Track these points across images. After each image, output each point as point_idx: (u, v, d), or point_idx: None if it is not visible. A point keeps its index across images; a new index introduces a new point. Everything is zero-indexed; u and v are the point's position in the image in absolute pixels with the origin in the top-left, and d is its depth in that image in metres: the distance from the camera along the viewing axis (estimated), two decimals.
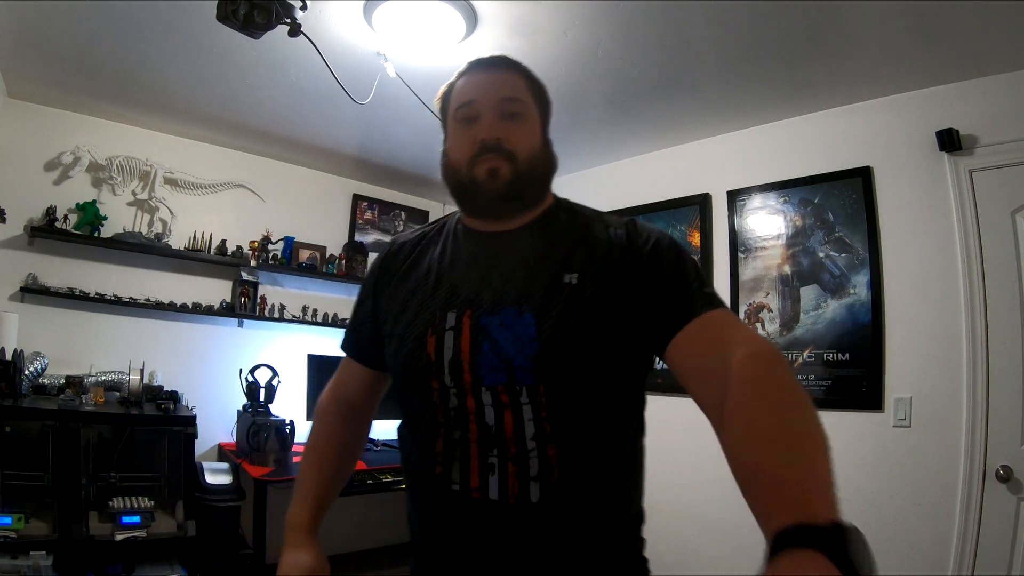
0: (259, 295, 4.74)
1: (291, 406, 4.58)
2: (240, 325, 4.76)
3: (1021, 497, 2.78)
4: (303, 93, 3.61)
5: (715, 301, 1.14)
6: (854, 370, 3.28)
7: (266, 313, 4.78)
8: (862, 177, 3.34)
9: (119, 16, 2.88)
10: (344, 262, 5.13)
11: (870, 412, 3.21)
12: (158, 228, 4.37)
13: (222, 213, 4.71)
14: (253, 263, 4.61)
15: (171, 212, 4.42)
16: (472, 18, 2.73)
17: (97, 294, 4.09)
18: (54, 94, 3.89)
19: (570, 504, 1.15)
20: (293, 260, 4.91)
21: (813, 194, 3.48)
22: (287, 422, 4.15)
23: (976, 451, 2.88)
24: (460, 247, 1.36)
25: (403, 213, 5.73)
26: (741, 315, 3.59)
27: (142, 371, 4.02)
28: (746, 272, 3.74)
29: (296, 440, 4.27)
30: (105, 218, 4.14)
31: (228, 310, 4.62)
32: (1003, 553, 2.77)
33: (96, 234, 4.06)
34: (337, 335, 4.90)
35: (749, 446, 0.86)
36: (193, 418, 3.77)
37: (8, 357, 3.51)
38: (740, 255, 3.78)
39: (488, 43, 2.96)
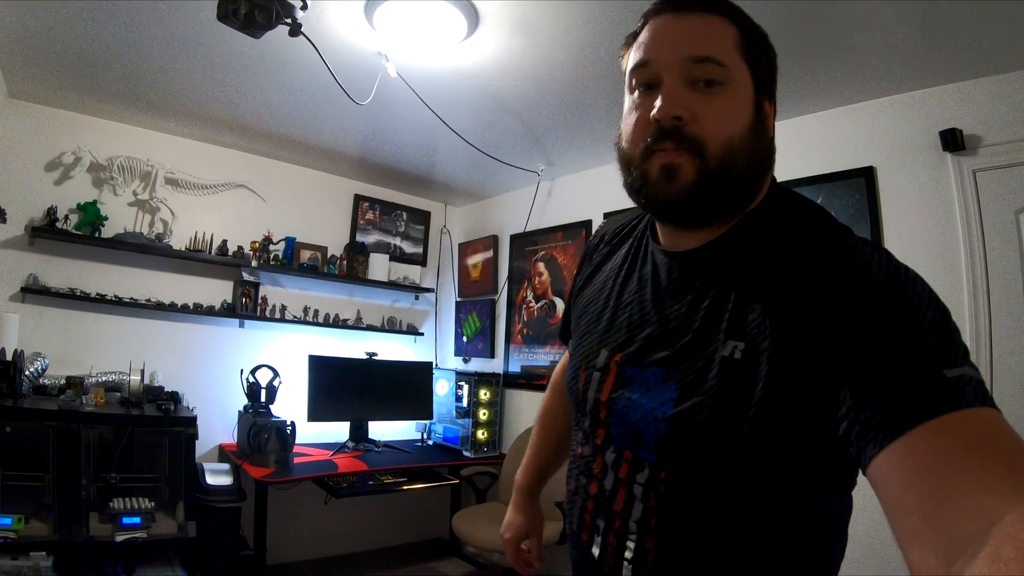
0: (260, 296, 4.75)
1: (292, 407, 4.58)
2: (241, 326, 4.75)
3: None
4: (304, 93, 3.61)
5: (968, 391, 0.70)
6: None
7: (267, 314, 4.78)
8: (865, 177, 3.28)
9: (120, 15, 2.87)
10: (345, 263, 5.12)
11: None
12: (159, 228, 4.37)
13: (223, 213, 4.71)
14: (254, 263, 4.60)
15: (172, 212, 4.42)
16: (474, 17, 2.73)
17: (98, 294, 4.09)
18: (55, 94, 3.88)
19: None
20: (294, 260, 4.90)
21: (816, 194, 3.40)
22: (288, 423, 4.16)
23: None
24: (637, 261, 1.14)
25: (404, 214, 5.72)
26: None
27: (142, 372, 4.02)
28: None
29: (297, 441, 4.29)
30: (106, 218, 4.14)
31: (229, 311, 4.62)
32: None
33: (97, 234, 4.06)
34: (338, 336, 5.08)
35: None
36: (193, 419, 3.78)
37: (8, 358, 3.53)
38: None
39: (490, 43, 2.96)
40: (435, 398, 5.27)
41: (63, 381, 3.75)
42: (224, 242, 4.59)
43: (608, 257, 1.24)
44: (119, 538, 3.33)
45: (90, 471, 3.48)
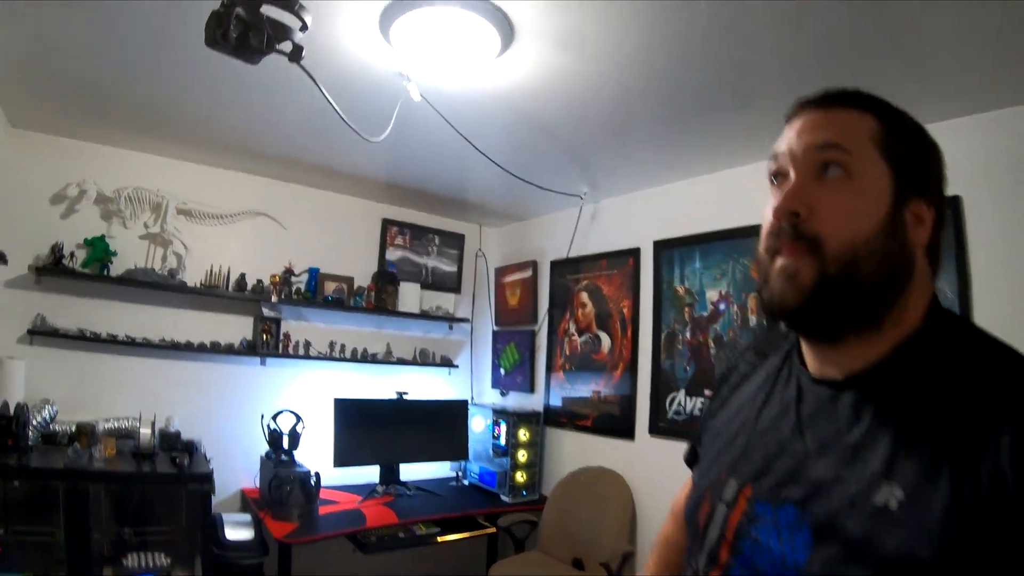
0: (282, 331, 4.55)
1: (317, 454, 4.38)
2: (263, 364, 4.56)
3: None
4: (324, 115, 3.35)
5: None
6: None
7: (290, 350, 4.60)
8: (952, 208, 2.90)
9: (126, 38, 2.64)
10: (373, 294, 4.93)
11: None
12: (172, 263, 4.20)
13: (240, 244, 4.53)
14: (274, 299, 4.41)
15: (185, 246, 4.24)
16: (508, 32, 2.44)
17: (109, 335, 3.94)
18: (59, 122, 3.74)
19: None
20: (318, 293, 4.71)
21: None
22: (312, 474, 3.91)
23: None
24: (780, 382, 1.04)
25: (436, 237, 5.53)
26: None
27: (153, 424, 3.80)
28: None
29: (323, 483, 4.04)
30: (115, 254, 3.98)
31: (249, 349, 4.43)
32: None
33: (106, 272, 3.90)
34: (366, 371, 4.82)
35: None
36: (209, 475, 3.53)
37: (12, 411, 3.36)
38: None
39: (528, 59, 2.67)
40: (471, 434, 5.05)
41: (73, 429, 3.61)
42: (242, 276, 4.38)
43: (749, 376, 1.14)
44: None
45: (101, 525, 3.34)
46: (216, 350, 4.30)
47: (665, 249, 4.15)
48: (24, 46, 2.80)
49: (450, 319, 5.35)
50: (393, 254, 5.27)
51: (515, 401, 5.33)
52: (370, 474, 4.70)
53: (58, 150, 3.94)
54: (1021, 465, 0.70)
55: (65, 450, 3.43)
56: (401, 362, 5.08)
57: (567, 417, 4.81)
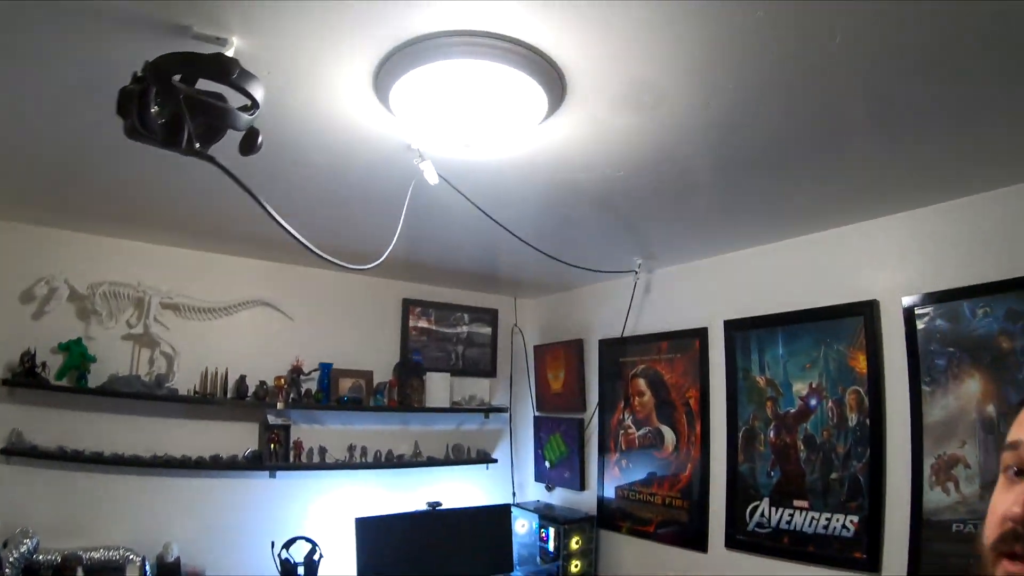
0: (292, 439, 4.19)
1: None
2: (272, 476, 4.16)
3: None
4: (330, 193, 3.02)
5: None
6: None
7: (303, 459, 4.22)
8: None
9: (94, 115, 2.26)
10: (396, 390, 4.58)
11: None
12: (161, 366, 3.87)
13: (240, 340, 4.18)
14: (280, 405, 4.05)
15: (173, 348, 3.86)
16: (558, 89, 1.96)
17: (92, 452, 3.60)
18: (22, 208, 3.46)
19: None
20: (332, 393, 4.37)
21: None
22: None
23: None
24: None
25: (466, 315, 5.18)
26: (925, 471, 2.91)
27: (143, 561, 3.42)
28: (933, 412, 2.97)
29: None
30: (94, 359, 3.65)
31: (255, 461, 4.01)
32: None
33: (83, 382, 3.59)
34: (392, 477, 4.64)
35: None
36: None
37: None
38: (924, 388, 3.01)
39: (579, 120, 2.23)
40: (515, 538, 4.68)
41: (58, 559, 3.32)
42: (242, 378, 4.03)
43: None
44: None
45: None
46: (217, 465, 3.91)
47: (738, 330, 3.82)
48: None
49: (486, 410, 5.01)
50: (417, 340, 4.95)
51: (563, 498, 4.96)
52: None
53: (26, 240, 3.63)
54: None
55: None
56: (432, 462, 4.73)
57: (625, 520, 4.42)
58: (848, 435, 3.18)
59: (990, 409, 2.83)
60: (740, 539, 3.62)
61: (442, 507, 4.46)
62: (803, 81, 1.98)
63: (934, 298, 3.04)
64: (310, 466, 4.23)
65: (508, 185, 2.86)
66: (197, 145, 1.40)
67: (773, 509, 3.46)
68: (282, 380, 4.13)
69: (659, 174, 2.73)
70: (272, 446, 4.07)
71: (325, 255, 1.98)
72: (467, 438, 5.02)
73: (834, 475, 3.16)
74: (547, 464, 5.09)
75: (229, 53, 1.63)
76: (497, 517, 4.67)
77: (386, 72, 1.88)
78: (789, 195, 3.00)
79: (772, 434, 3.54)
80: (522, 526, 4.72)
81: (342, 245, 3.80)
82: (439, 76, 1.86)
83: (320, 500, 4.33)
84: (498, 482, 5.15)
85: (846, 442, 3.19)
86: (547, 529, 4.44)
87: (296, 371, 4.20)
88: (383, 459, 4.50)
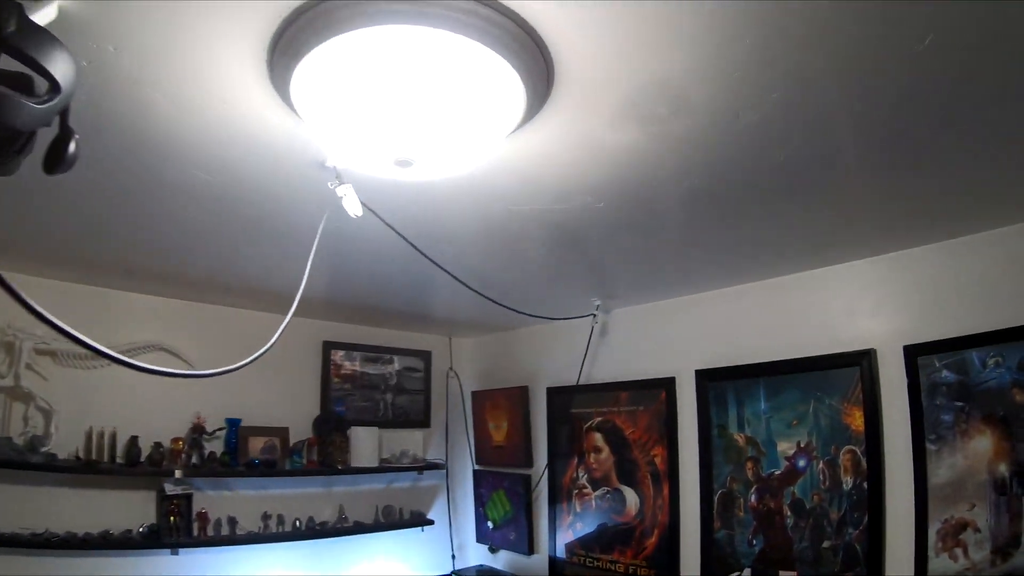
0: (196, 509, 3.80)
1: None
2: (174, 554, 3.78)
3: None
4: (223, 222, 2.61)
5: None
6: None
7: (208, 532, 3.83)
8: None
9: None
10: (316, 448, 4.25)
11: None
12: (36, 426, 3.42)
13: (132, 393, 3.72)
14: (178, 473, 3.64)
15: (49, 405, 3.43)
16: (542, 83, 1.51)
17: None
18: None
19: None
20: (241, 455, 3.99)
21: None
22: None
23: None
24: None
25: (395, 358, 4.87)
26: (931, 536, 2.80)
27: None
28: (939, 472, 2.88)
29: None
30: None
31: (153, 537, 3.63)
32: None
33: None
34: (314, 548, 4.20)
35: None
36: None
37: None
38: (929, 446, 2.91)
39: (565, 135, 1.82)
40: None
41: None
42: (134, 439, 3.60)
43: None
44: None
45: None
46: (108, 543, 3.51)
47: (713, 381, 3.62)
48: None
49: (420, 467, 4.69)
50: (340, 388, 4.61)
51: (509, 561, 4.77)
52: None
53: None
54: None
55: None
56: (359, 528, 4.39)
57: None
58: (843, 499, 3.04)
59: (1002, 468, 2.73)
60: None
61: None
62: (803, 112, 1.75)
63: (939, 347, 2.94)
64: (218, 540, 3.89)
65: (452, 213, 2.49)
66: None
67: None
68: (180, 442, 3.78)
69: (645, 204, 2.41)
70: (172, 519, 3.71)
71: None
72: (399, 498, 4.72)
73: (826, 543, 3.03)
74: (490, 524, 4.86)
75: (46, 12, 1.15)
76: None
77: (283, 51, 1.37)
78: (776, 227, 2.79)
79: (754, 498, 3.37)
80: None
81: (251, 280, 3.50)
82: (361, 55, 1.35)
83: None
84: (435, 546, 4.88)
85: (840, 507, 3.04)
86: None
87: (198, 430, 3.87)
88: (303, 528, 4.18)
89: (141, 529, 3.65)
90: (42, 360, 3.49)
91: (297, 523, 4.15)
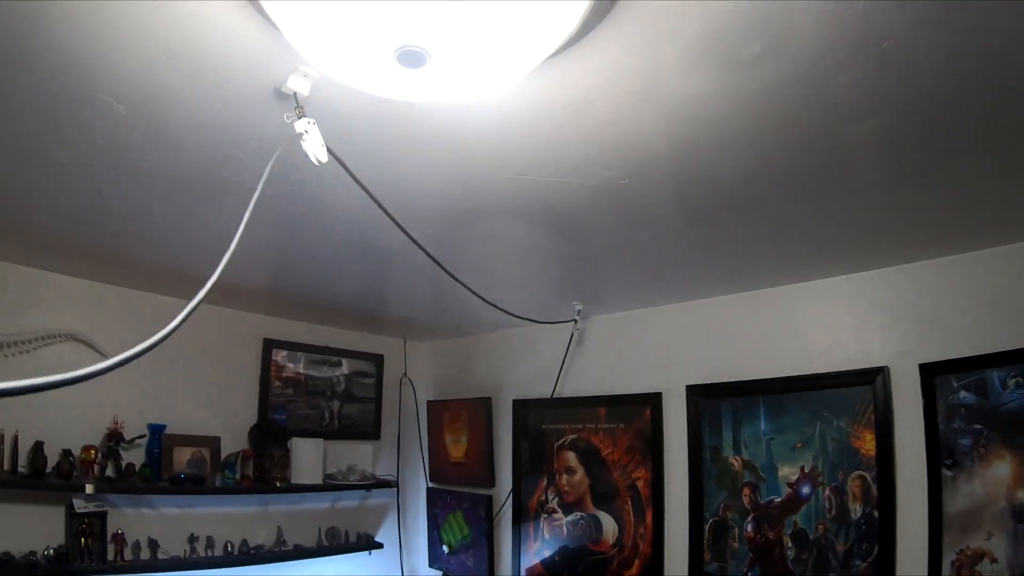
0: (111, 530, 3.55)
1: None
2: None
3: None
4: (158, 176, 2.21)
5: None
6: None
7: (126, 557, 3.57)
8: None
9: None
10: (251, 462, 4.02)
11: None
12: None
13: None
14: (89, 488, 3.31)
15: None
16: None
17: None
18: None
19: None
20: (165, 467, 3.75)
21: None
22: None
23: None
24: None
25: (343, 361, 4.66)
26: (945, 567, 2.78)
27: None
28: (955, 500, 2.85)
29: None
30: None
31: (58, 561, 3.37)
32: None
33: None
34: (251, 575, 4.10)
35: None
36: None
37: None
38: (945, 472, 2.88)
39: (619, 72, 1.55)
40: None
41: None
42: (39, 446, 3.31)
43: None
44: None
45: None
46: (8, 568, 3.27)
47: (706, 398, 3.51)
48: None
49: (368, 485, 4.50)
50: (282, 393, 4.39)
51: None
52: None
53: None
54: None
55: None
56: (300, 553, 4.21)
57: None
58: (851, 529, 2.98)
59: (1022, 495, 2.72)
60: None
61: None
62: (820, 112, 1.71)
63: (958, 366, 2.90)
64: (137, 566, 3.63)
65: (437, 175, 2.15)
66: None
67: None
68: (94, 451, 3.50)
69: (685, 184, 2.19)
70: (83, 540, 3.44)
71: None
72: (345, 519, 4.55)
73: None
74: (445, 548, 4.71)
75: None
76: None
77: None
78: (782, 231, 2.71)
79: (750, 528, 3.29)
80: None
81: (180, 257, 3.19)
82: None
83: None
84: (384, 571, 4.76)
85: (847, 538, 2.98)
86: None
87: (114, 437, 3.60)
88: (235, 552, 3.98)
89: (47, 552, 3.41)
90: None
91: (229, 547, 3.97)
